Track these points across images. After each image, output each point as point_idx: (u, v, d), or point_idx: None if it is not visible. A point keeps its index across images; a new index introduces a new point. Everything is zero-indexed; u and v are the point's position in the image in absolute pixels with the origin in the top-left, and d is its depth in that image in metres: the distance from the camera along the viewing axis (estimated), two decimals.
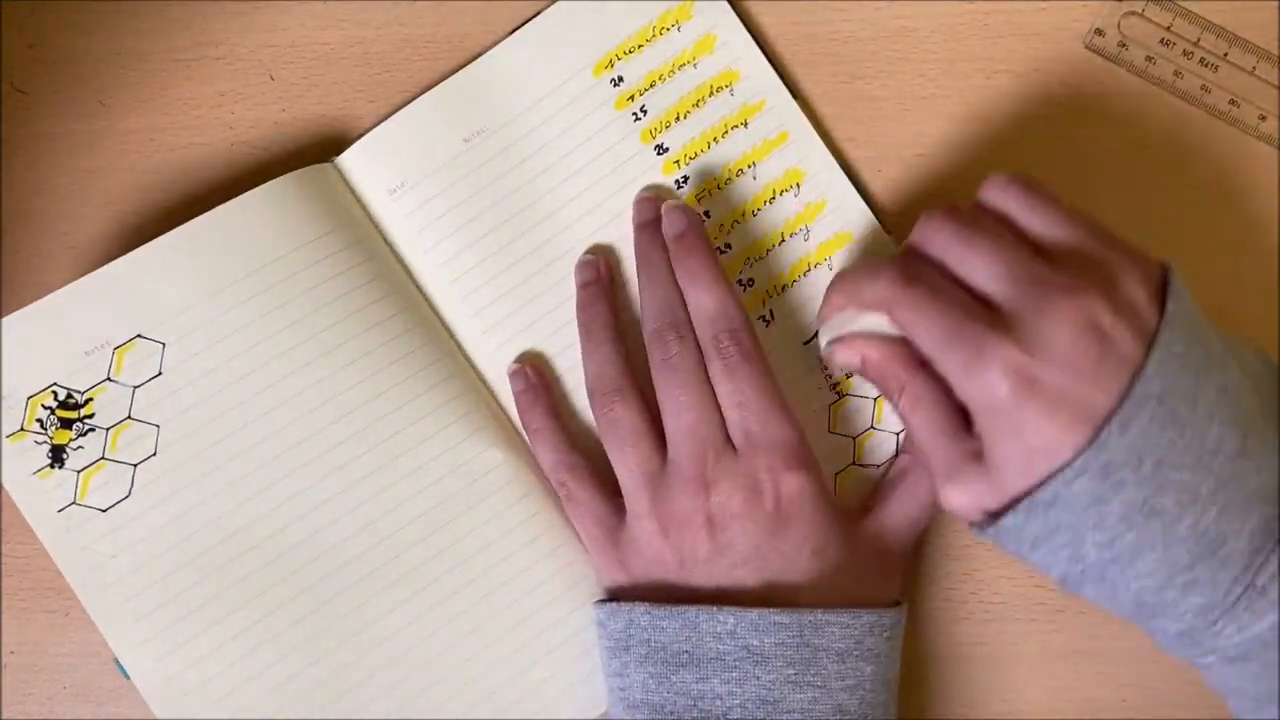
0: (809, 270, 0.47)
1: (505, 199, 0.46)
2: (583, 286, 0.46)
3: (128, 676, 0.44)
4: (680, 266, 0.45)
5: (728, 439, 0.43)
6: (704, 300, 0.44)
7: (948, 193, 0.47)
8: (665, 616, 0.41)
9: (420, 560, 0.44)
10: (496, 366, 0.46)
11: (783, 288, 0.47)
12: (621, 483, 0.44)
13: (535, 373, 0.46)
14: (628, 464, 0.43)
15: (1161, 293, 0.38)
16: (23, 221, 0.47)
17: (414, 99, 0.47)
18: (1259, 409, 0.38)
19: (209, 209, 0.45)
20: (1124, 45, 0.47)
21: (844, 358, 0.42)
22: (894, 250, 0.46)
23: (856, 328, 0.41)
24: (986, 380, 0.37)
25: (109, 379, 0.43)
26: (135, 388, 0.44)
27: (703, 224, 0.46)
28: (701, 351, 0.43)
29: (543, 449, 0.45)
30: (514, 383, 0.46)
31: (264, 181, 0.45)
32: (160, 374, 0.44)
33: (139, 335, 0.44)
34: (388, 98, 0.48)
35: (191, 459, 0.44)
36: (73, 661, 0.46)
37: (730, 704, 0.40)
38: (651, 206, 0.46)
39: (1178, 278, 0.39)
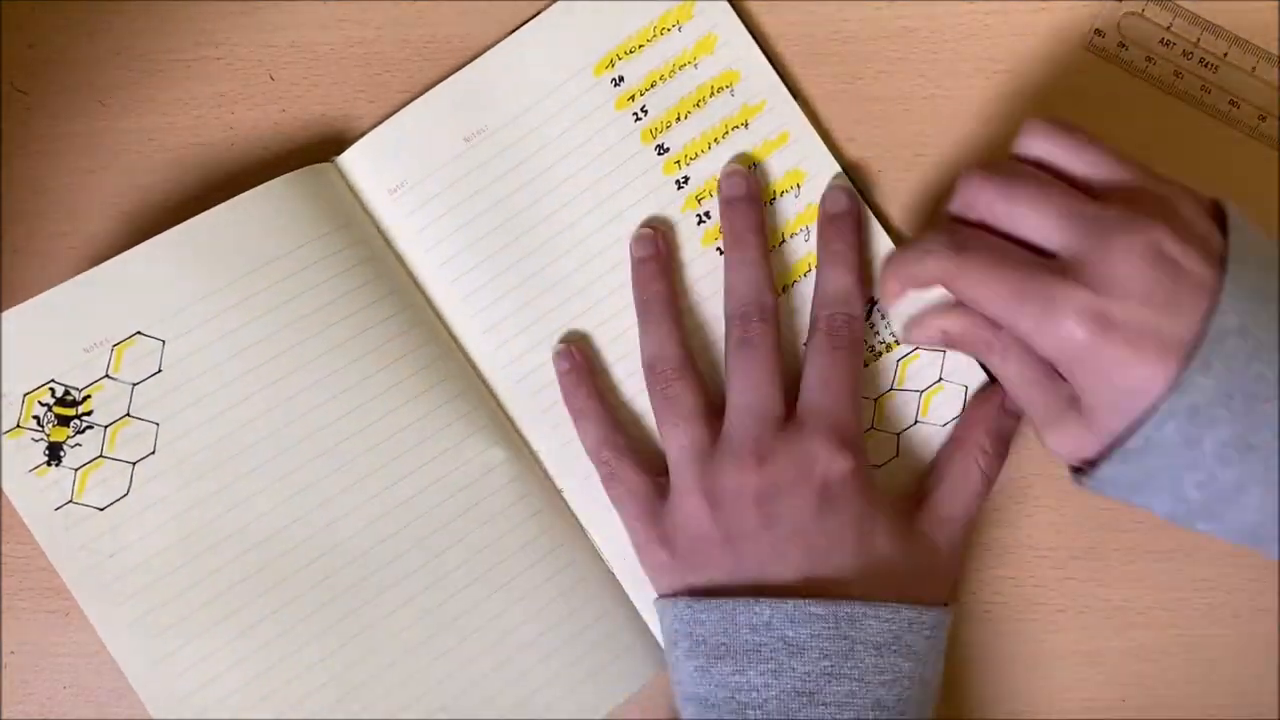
0: (810, 270, 0.47)
1: (506, 199, 0.46)
2: (640, 262, 0.46)
3: None
4: (828, 244, 0.45)
5: (786, 420, 0.43)
6: (839, 280, 0.44)
7: (948, 193, 0.47)
8: (704, 609, 0.41)
9: (421, 561, 0.44)
10: (497, 366, 0.46)
11: (784, 288, 0.47)
12: (671, 459, 0.44)
13: (580, 354, 0.46)
14: (680, 440, 0.43)
15: (1220, 224, 0.37)
16: (23, 221, 0.47)
17: (414, 99, 0.47)
18: None
19: (209, 209, 0.45)
20: (1124, 45, 0.47)
21: (924, 337, 0.42)
22: (893, 248, 0.46)
23: (924, 304, 0.41)
24: (1062, 330, 0.37)
25: (108, 376, 0.43)
26: (134, 385, 0.43)
27: (859, 211, 0.46)
28: (776, 338, 0.44)
29: (587, 428, 0.45)
30: (559, 363, 0.46)
31: (264, 181, 0.45)
32: (160, 371, 0.43)
33: (139, 332, 0.43)
34: (388, 98, 0.48)
35: (191, 457, 0.43)
36: (73, 661, 0.46)
37: (766, 695, 0.40)
38: (742, 181, 0.46)
39: (1234, 208, 0.38)
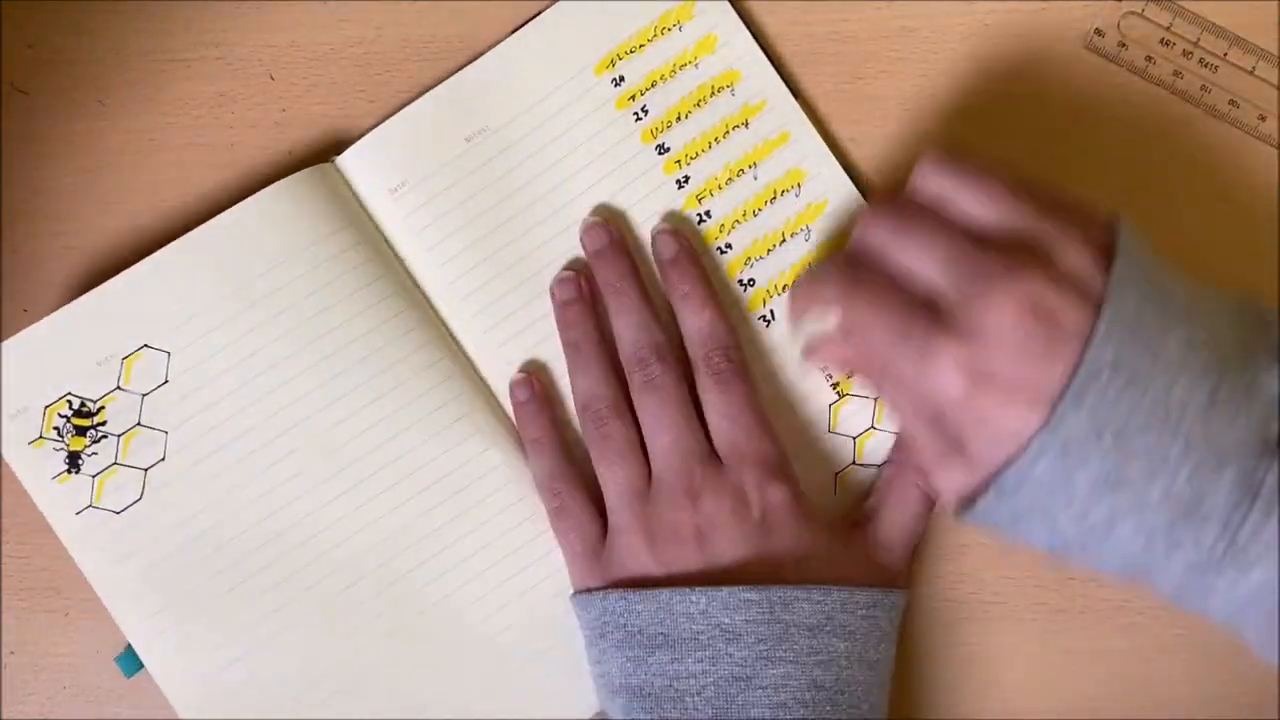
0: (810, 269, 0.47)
1: (507, 198, 0.46)
2: (565, 305, 0.46)
3: (128, 674, 0.44)
4: (674, 289, 0.45)
5: (711, 452, 0.43)
6: (698, 321, 0.45)
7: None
8: (639, 600, 0.41)
9: (422, 559, 0.45)
10: (497, 366, 0.46)
11: (783, 287, 0.47)
12: (609, 498, 0.44)
13: (540, 384, 0.46)
14: (617, 478, 0.44)
15: (1110, 251, 0.37)
16: (23, 221, 0.47)
17: (415, 99, 0.47)
18: (1233, 354, 0.36)
19: (209, 209, 0.46)
20: (1124, 45, 0.47)
21: (821, 360, 0.43)
22: None
23: (825, 328, 0.41)
24: (938, 381, 0.37)
25: (119, 388, 0.44)
26: (144, 395, 0.44)
27: (691, 245, 0.46)
28: (679, 372, 0.44)
29: (541, 459, 0.45)
30: (518, 392, 0.46)
31: (265, 182, 0.45)
32: (167, 381, 0.45)
33: (145, 345, 0.44)
34: (388, 98, 0.47)
35: (200, 462, 0.45)
36: (73, 661, 0.46)
37: (704, 681, 0.41)
38: (602, 233, 0.46)
39: (1128, 232, 0.37)
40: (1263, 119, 0.46)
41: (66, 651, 0.46)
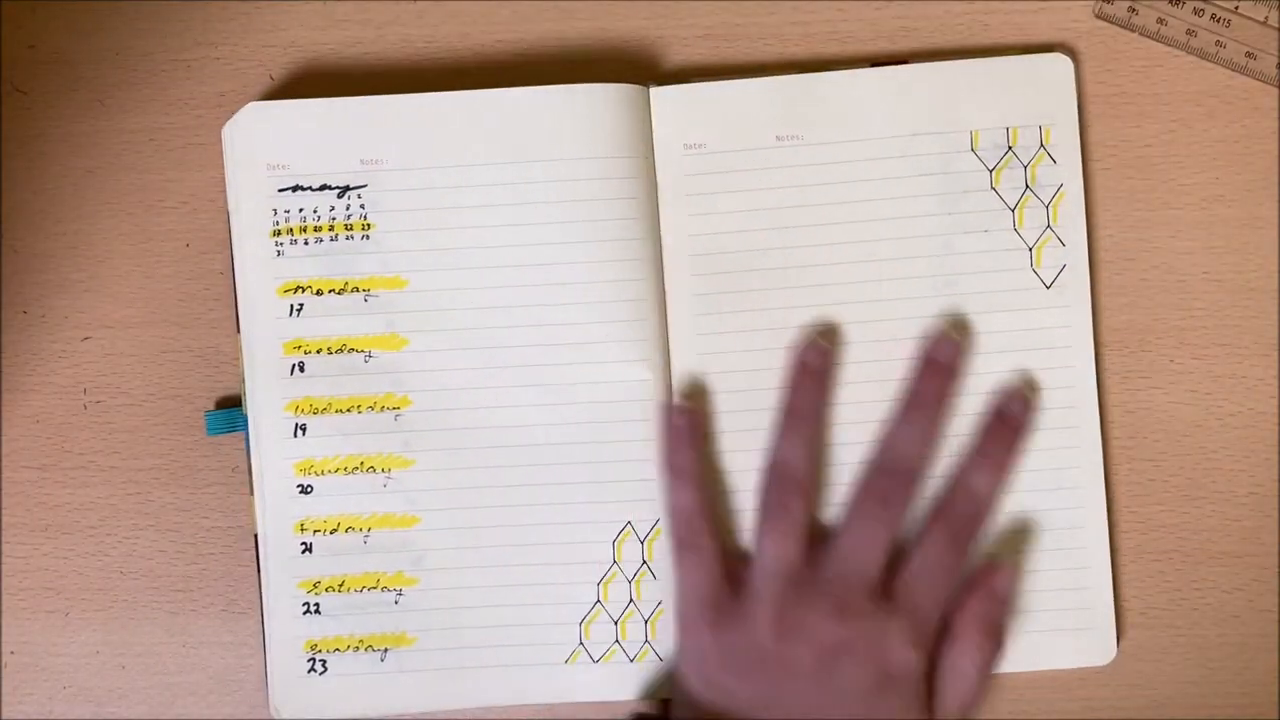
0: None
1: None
2: (806, 372, 0.45)
3: (210, 432, 0.46)
4: (985, 443, 0.45)
5: (881, 585, 0.43)
6: (982, 482, 0.45)
7: None
8: None
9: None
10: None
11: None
12: (761, 564, 0.44)
13: (699, 417, 0.46)
14: (779, 552, 0.43)
15: None
16: (23, 221, 0.47)
17: (741, 77, 0.46)
18: None
19: (209, 209, 0.45)
20: (1134, 10, 0.47)
21: None
22: None
23: None
24: None
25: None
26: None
27: (1026, 421, 0.45)
28: (911, 501, 0.44)
29: (683, 491, 0.45)
30: (676, 418, 0.45)
31: None
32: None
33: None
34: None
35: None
36: (73, 661, 0.46)
37: None
38: (953, 350, 0.45)
39: None
40: None
41: (66, 651, 0.46)
